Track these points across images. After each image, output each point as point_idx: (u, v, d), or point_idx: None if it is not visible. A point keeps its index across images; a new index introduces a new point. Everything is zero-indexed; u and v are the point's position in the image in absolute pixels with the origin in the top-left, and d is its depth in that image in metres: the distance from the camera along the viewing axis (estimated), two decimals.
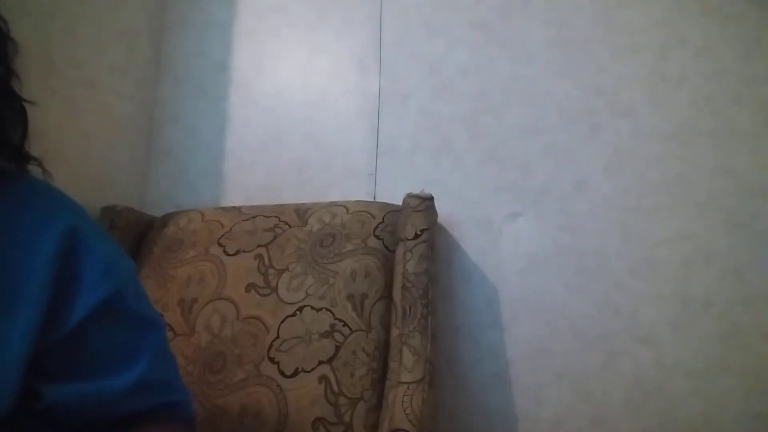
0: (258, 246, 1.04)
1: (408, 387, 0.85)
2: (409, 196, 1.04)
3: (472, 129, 1.23)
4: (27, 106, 0.53)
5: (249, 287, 0.99)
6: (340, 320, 0.92)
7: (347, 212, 1.06)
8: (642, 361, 1.07)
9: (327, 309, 0.94)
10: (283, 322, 0.94)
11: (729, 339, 1.04)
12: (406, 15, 1.32)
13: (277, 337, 0.93)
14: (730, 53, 1.14)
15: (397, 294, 0.94)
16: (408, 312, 0.91)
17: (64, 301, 0.46)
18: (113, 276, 0.50)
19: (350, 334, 0.91)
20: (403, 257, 0.96)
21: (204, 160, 1.35)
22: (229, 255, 1.04)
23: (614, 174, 1.15)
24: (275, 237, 1.05)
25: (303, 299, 0.96)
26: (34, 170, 0.55)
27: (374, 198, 1.23)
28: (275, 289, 0.98)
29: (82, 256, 0.48)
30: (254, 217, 1.10)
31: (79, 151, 1.15)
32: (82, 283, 0.48)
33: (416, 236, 0.97)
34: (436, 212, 1.05)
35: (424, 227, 0.98)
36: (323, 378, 0.88)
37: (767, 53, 1.13)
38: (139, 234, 1.16)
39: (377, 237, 1.01)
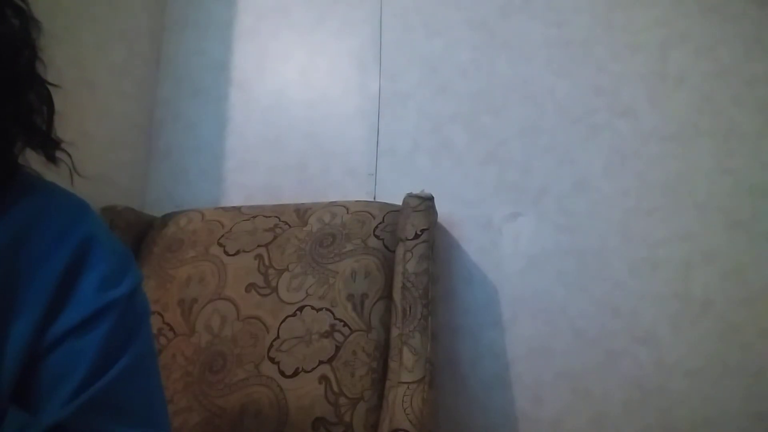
0: (258, 246, 1.04)
1: (408, 387, 0.85)
2: (409, 196, 1.04)
3: (472, 129, 1.23)
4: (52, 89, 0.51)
5: (249, 287, 0.99)
6: (340, 320, 0.92)
7: (347, 212, 1.06)
8: (642, 361, 1.07)
9: (327, 309, 0.94)
10: (283, 322, 0.94)
11: (729, 339, 1.04)
12: (406, 15, 1.32)
13: (277, 337, 0.93)
14: (730, 53, 1.14)
15: (397, 294, 0.94)
16: (408, 312, 0.91)
17: (56, 314, 0.45)
18: (108, 291, 0.47)
19: (350, 334, 0.91)
20: (403, 257, 0.96)
21: (204, 160, 1.35)
22: (229, 255, 1.04)
23: (614, 174, 1.15)
24: (275, 237, 1.05)
25: (303, 299, 0.96)
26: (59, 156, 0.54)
27: (374, 198, 1.23)
28: (275, 289, 0.98)
29: (86, 269, 0.47)
30: (254, 217, 1.10)
31: (79, 151, 1.15)
32: (75, 296, 0.46)
33: (416, 236, 0.97)
34: (436, 212, 1.05)
35: (424, 227, 0.98)
36: (323, 378, 0.88)
37: (767, 53, 1.13)
38: (139, 234, 1.16)
39: (377, 237, 1.01)
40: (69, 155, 0.55)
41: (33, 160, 0.52)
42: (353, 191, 1.24)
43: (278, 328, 0.94)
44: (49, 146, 0.52)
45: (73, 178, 0.56)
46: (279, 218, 1.09)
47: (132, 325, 0.49)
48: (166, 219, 1.17)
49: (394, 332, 0.91)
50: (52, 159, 0.53)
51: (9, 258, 0.45)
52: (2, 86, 0.47)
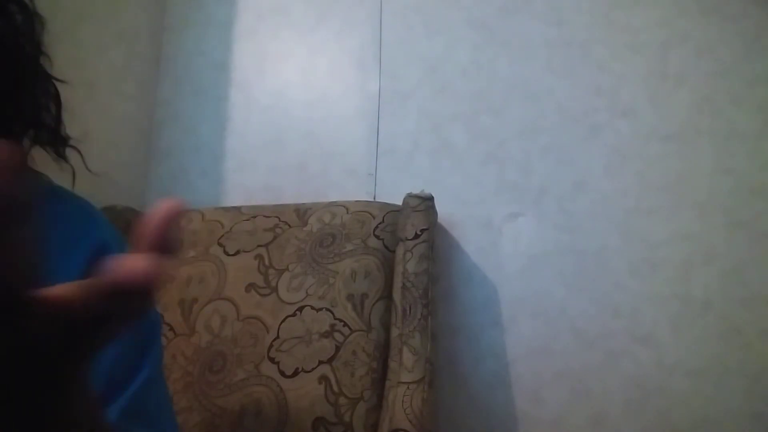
0: (258, 246, 1.04)
1: (408, 387, 0.85)
2: (409, 196, 1.04)
3: (472, 129, 1.23)
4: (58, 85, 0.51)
5: (249, 287, 0.99)
6: (340, 320, 0.92)
7: (347, 212, 1.06)
8: (642, 361, 1.07)
9: (327, 309, 0.94)
10: (283, 322, 0.94)
11: (729, 339, 1.04)
12: (406, 15, 1.32)
13: (277, 337, 0.93)
14: (730, 53, 1.14)
15: (397, 294, 0.94)
16: (408, 312, 0.91)
17: None
18: None
19: (350, 334, 0.91)
20: (403, 257, 0.96)
21: (204, 160, 1.35)
22: (229, 255, 1.04)
23: (614, 174, 1.15)
24: (275, 237, 1.05)
25: (303, 299, 0.96)
26: (70, 153, 0.54)
27: (374, 198, 1.23)
28: (275, 289, 0.98)
29: None
30: (254, 217, 1.10)
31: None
32: None
33: (416, 236, 0.97)
34: (436, 212, 1.05)
35: (424, 227, 0.98)
36: (323, 378, 0.88)
37: (767, 53, 1.13)
38: None
39: (377, 237, 1.01)
40: (79, 152, 0.55)
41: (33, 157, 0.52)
42: (353, 191, 1.24)
43: (278, 328, 0.94)
44: (59, 143, 0.52)
45: (78, 178, 0.56)
46: (279, 218, 1.09)
47: (148, 333, 0.50)
48: None
49: (394, 332, 0.91)
50: (62, 156, 0.53)
51: None
52: (7, 83, 0.46)
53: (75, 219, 0.50)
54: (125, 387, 0.46)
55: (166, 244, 0.22)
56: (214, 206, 1.23)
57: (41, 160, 0.52)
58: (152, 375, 0.49)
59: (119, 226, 1.12)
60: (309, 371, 0.89)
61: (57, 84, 0.52)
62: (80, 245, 0.47)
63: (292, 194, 1.27)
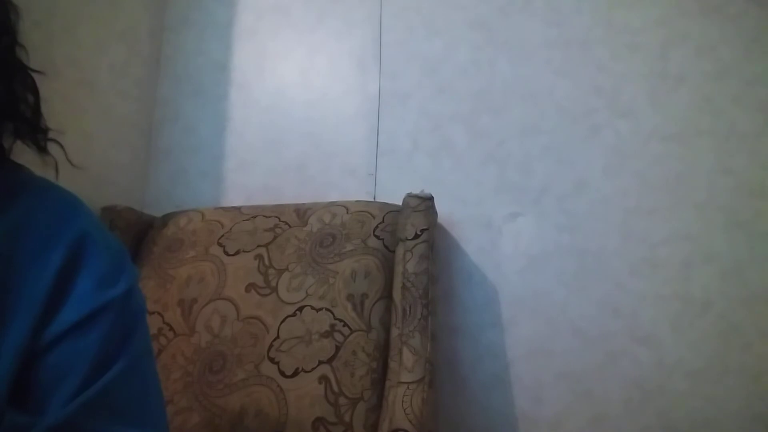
0: (258, 246, 1.04)
1: (408, 387, 0.85)
2: (409, 196, 1.04)
3: (472, 129, 1.23)
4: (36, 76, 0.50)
5: (249, 287, 0.99)
6: (340, 320, 0.92)
7: (347, 212, 1.06)
8: (642, 361, 1.07)
9: (327, 309, 0.94)
10: (283, 322, 0.94)
11: (729, 339, 1.04)
12: (406, 15, 1.32)
13: (277, 337, 0.93)
14: (730, 53, 1.14)
15: (397, 294, 0.94)
16: (408, 312, 0.91)
17: (53, 312, 0.44)
18: (105, 291, 0.47)
19: (350, 334, 0.91)
20: (403, 257, 0.96)
21: (204, 160, 1.35)
22: (229, 255, 1.04)
23: (614, 174, 1.15)
24: (275, 237, 1.05)
25: (303, 299, 0.96)
26: (51, 146, 0.53)
27: (374, 198, 1.23)
28: (275, 289, 0.98)
29: (82, 267, 0.46)
30: (254, 217, 1.10)
31: (79, 151, 1.15)
32: (72, 295, 0.45)
33: (416, 236, 0.97)
34: (436, 212, 1.05)
35: (424, 227, 0.98)
36: (323, 378, 0.88)
37: (767, 53, 1.13)
38: (139, 234, 1.16)
39: (377, 237, 1.01)
40: (60, 145, 0.54)
41: (25, 152, 0.51)
42: (353, 191, 1.24)
43: (278, 328, 0.94)
44: (39, 135, 0.51)
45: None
46: (279, 218, 1.09)
47: (129, 324, 0.49)
48: (166, 219, 1.17)
49: (394, 332, 0.91)
50: (43, 149, 0.52)
51: (2, 259, 0.44)
52: None
53: (56, 208, 0.49)
54: (95, 380, 0.44)
55: None
56: (214, 206, 1.23)
57: (27, 153, 0.51)
58: (130, 367, 0.46)
59: (119, 225, 1.13)
60: (309, 371, 0.89)
61: (35, 76, 0.51)
62: (61, 233, 0.47)
63: (292, 194, 1.27)
